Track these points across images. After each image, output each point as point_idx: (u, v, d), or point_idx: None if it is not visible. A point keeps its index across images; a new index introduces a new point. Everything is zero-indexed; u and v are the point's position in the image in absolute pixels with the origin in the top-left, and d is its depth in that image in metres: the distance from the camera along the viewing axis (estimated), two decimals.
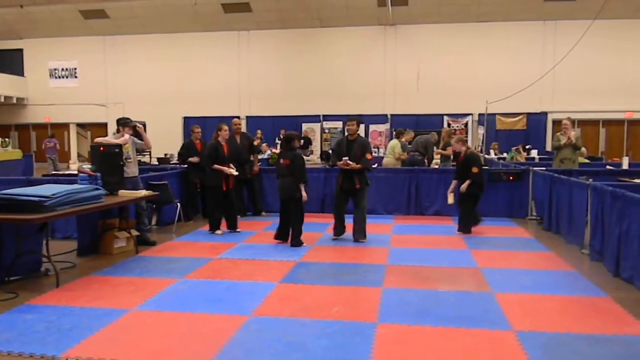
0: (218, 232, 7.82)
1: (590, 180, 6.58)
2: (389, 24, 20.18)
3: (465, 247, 7.00)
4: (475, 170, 7.66)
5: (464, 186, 7.68)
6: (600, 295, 4.85)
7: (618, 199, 5.56)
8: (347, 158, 7.08)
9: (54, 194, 5.13)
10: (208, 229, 7.98)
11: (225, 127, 7.84)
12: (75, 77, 23.02)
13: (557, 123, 18.94)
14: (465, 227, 7.81)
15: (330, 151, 16.84)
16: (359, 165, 7.04)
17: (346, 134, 7.51)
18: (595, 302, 4.70)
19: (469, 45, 19.83)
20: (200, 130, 9.16)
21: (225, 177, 7.72)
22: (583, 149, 13.12)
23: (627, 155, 14.97)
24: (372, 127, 20.76)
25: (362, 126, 19.64)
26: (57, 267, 5.37)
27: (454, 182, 8.00)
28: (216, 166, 7.69)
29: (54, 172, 12.37)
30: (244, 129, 21.17)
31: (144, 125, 15.91)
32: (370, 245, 7.08)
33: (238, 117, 9.94)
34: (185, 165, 9.38)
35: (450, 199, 8.05)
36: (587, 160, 12.37)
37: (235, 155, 8.27)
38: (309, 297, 4.84)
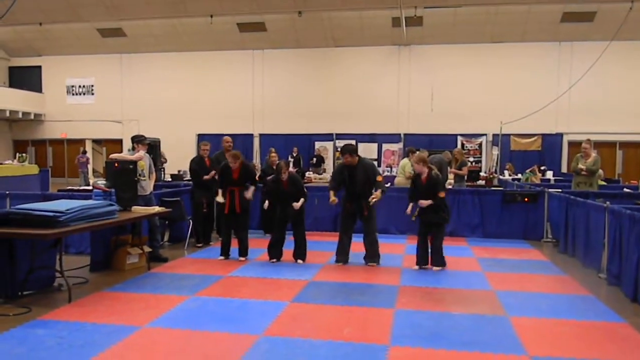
0: (220, 257, 7.35)
1: (608, 203, 6.48)
2: (403, 44, 20.27)
3: (479, 269, 6.91)
4: (442, 195, 6.77)
5: (424, 202, 6.74)
6: (617, 321, 4.74)
7: (637, 223, 5.45)
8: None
9: (68, 210, 5.17)
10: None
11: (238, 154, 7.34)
12: (92, 94, 23.39)
13: (572, 144, 18.79)
14: (441, 258, 6.87)
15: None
16: (376, 197, 6.85)
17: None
18: (612, 327, 4.59)
19: (484, 65, 19.84)
20: (208, 148, 8.71)
21: (230, 200, 7.25)
22: (600, 171, 12.98)
23: None
24: (385, 147, 20.75)
25: (375, 145, 20.06)
26: (69, 283, 5.38)
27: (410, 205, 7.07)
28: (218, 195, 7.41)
29: (69, 188, 12.49)
30: (257, 146, 21.50)
31: (159, 142, 16.12)
32: (382, 265, 7.01)
33: (229, 135, 9.58)
34: (192, 184, 8.93)
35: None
36: (604, 183, 12.21)
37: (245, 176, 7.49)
38: (320, 317, 4.79)
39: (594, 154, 9.31)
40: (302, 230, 7.17)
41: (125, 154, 7.55)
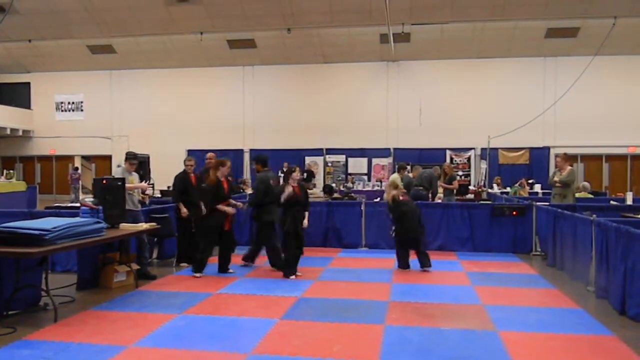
0: (197, 274, 7.23)
1: (594, 216, 6.54)
2: (391, 60, 20.47)
3: (468, 283, 6.92)
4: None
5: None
6: (606, 334, 4.76)
7: (622, 236, 5.50)
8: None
9: (54, 227, 5.12)
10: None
11: (229, 164, 7.46)
12: (81, 110, 23.33)
13: None
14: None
15: (332, 185, 16.93)
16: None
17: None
18: (601, 341, 4.61)
19: (471, 80, 20.07)
20: (193, 163, 8.39)
21: (225, 217, 7.36)
22: (586, 183, 13.12)
23: (630, 191, 14.91)
24: (375, 161, 20.84)
25: (364, 160, 20.15)
26: (55, 302, 5.31)
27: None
28: (220, 207, 7.26)
29: (56, 205, 12.39)
30: (247, 162, 21.48)
31: (148, 158, 16.10)
32: (372, 281, 7.01)
33: (213, 152, 9.54)
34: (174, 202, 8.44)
35: None
36: (590, 196, 12.32)
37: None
38: (309, 334, 4.76)
39: (568, 167, 9.50)
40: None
41: (118, 170, 7.53)
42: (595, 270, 6.30)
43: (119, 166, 7.61)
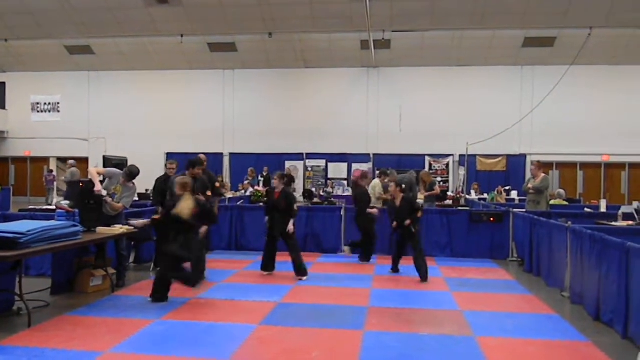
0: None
1: (569, 223, 6.65)
2: (372, 66, 20.61)
3: (446, 288, 6.98)
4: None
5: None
6: (581, 340, 4.85)
7: (597, 243, 5.61)
8: None
9: (29, 231, 5.01)
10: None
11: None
12: (58, 111, 22.94)
13: None
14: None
15: (312, 190, 16.92)
16: None
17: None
18: (576, 346, 4.69)
19: (450, 87, 20.29)
20: (175, 167, 8.32)
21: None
22: (561, 191, 13.37)
23: (604, 198, 15.22)
24: (354, 166, 20.88)
25: (344, 165, 20.21)
26: (29, 307, 5.20)
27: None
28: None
29: (31, 207, 12.16)
30: (227, 165, 21.37)
31: (125, 161, 15.89)
32: (352, 286, 7.01)
33: (204, 154, 9.43)
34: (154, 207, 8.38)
35: None
36: (565, 203, 12.54)
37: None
38: (288, 340, 4.74)
39: (542, 174, 9.70)
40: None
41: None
42: (570, 276, 6.41)
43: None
